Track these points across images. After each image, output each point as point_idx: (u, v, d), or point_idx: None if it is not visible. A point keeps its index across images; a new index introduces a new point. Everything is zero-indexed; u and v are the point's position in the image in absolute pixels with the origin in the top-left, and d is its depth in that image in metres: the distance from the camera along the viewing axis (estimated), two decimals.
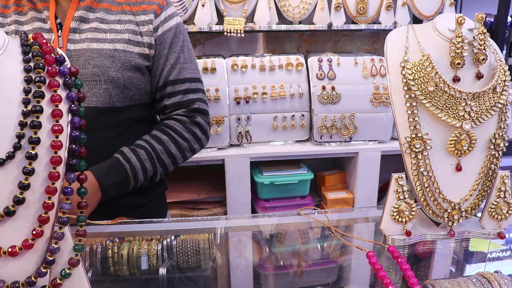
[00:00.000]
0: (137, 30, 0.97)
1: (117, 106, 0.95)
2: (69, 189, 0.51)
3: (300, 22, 1.96)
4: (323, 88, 1.79)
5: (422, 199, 0.70)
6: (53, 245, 0.50)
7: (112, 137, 0.95)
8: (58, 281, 0.51)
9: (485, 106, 0.67)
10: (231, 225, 0.93)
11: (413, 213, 0.72)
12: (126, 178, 0.92)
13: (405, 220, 0.71)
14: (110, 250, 0.76)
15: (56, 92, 0.50)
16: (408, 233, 0.72)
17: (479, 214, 0.75)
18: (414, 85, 0.66)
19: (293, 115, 1.85)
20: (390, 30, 0.75)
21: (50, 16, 0.93)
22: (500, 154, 0.71)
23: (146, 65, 0.98)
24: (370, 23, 1.97)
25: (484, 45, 0.65)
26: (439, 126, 0.68)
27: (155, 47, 0.99)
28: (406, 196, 0.71)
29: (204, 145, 1.06)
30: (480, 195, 0.72)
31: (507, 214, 0.72)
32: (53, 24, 0.93)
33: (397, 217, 0.71)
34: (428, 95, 0.66)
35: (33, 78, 0.49)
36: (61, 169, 0.49)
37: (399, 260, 0.64)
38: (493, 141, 0.69)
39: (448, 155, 0.69)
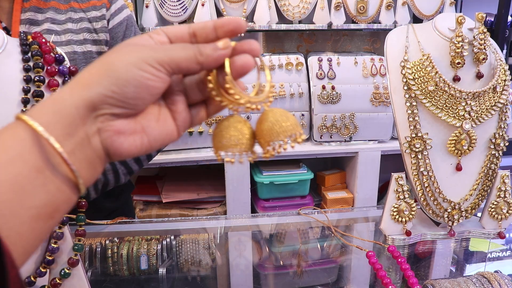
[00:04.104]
0: (91, 28, 0.92)
1: None
2: None
3: (300, 22, 1.95)
4: (323, 87, 1.79)
5: (422, 199, 0.70)
6: (52, 244, 0.50)
7: None
8: (58, 281, 0.51)
9: (485, 106, 0.66)
10: (231, 225, 0.93)
11: (413, 213, 0.72)
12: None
13: (405, 220, 0.71)
14: (110, 250, 0.76)
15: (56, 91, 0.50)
16: (408, 233, 0.72)
17: (479, 214, 0.75)
18: (414, 85, 0.66)
19: (293, 115, 1.85)
20: (390, 30, 0.75)
21: None
22: (500, 154, 0.71)
23: None
24: (370, 23, 1.97)
25: (484, 44, 0.64)
26: (439, 126, 0.68)
27: (108, 41, 0.95)
28: (406, 195, 0.71)
29: None
30: (480, 195, 0.72)
31: (507, 214, 0.72)
32: None
33: (397, 216, 0.71)
34: (428, 95, 0.66)
35: (33, 78, 0.49)
36: None
37: (399, 260, 0.64)
38: (493, 140, 0.69)
39: (448, 155, 0.69)
